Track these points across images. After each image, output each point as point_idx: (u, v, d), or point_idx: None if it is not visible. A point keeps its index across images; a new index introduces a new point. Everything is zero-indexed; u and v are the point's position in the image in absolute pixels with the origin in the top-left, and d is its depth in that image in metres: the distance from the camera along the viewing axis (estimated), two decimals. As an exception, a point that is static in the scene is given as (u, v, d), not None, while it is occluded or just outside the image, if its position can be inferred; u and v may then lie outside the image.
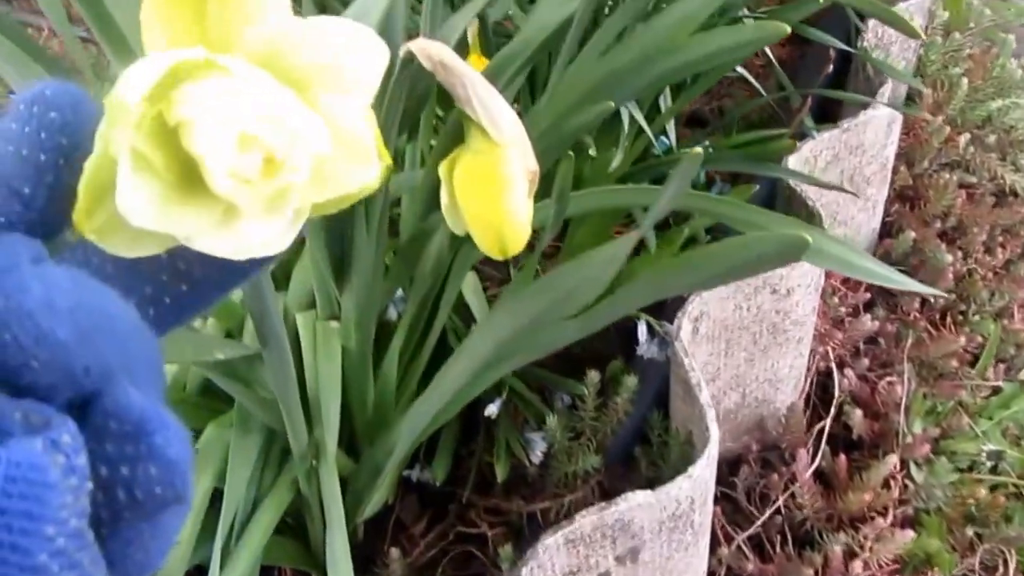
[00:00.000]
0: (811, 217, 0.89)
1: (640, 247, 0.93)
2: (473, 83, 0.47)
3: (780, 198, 1.01)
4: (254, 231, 0.24)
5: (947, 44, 1.36)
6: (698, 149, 0.42)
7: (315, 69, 0.25)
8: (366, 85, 0.25)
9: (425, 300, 0.75)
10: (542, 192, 0.51)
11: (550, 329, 0.53)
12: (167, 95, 0.23)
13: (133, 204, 0.22)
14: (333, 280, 0.68)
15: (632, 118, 0.89)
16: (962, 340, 1.00)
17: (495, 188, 0.46)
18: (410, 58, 0.48)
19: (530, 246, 0.53)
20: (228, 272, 0.26)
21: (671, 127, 1.08)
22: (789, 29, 0.48)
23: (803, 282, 0.86)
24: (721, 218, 0.68)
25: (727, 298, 0.82)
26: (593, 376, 0.82)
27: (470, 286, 0.90)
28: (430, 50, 0.47)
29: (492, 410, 0.87)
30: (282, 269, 0.81)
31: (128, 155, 0.22)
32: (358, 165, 0.25)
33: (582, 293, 0.48)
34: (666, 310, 0.93)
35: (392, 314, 0.82)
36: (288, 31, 0.24)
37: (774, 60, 1.01)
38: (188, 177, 0.24)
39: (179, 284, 0.26)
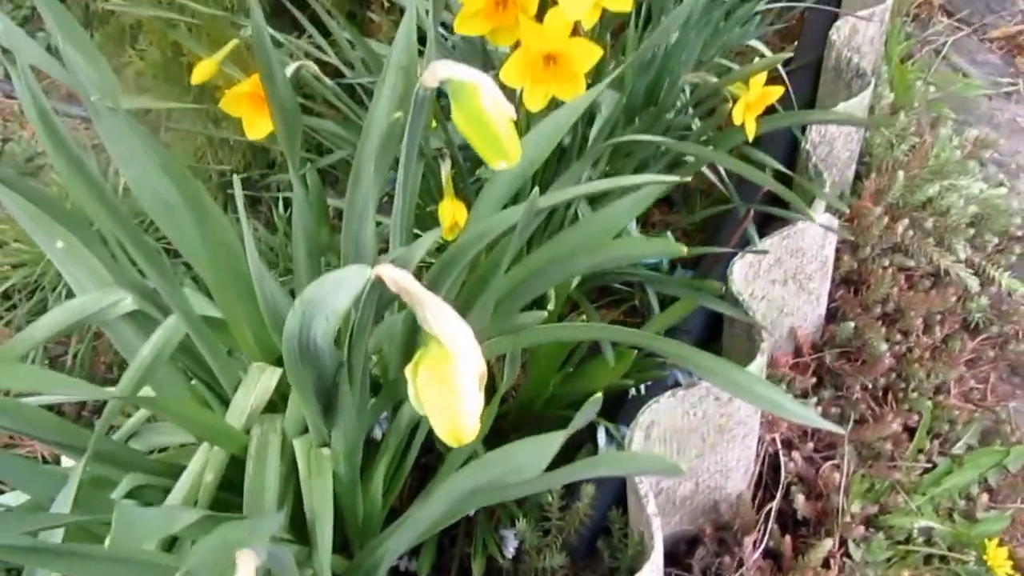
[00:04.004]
0: (750, 329, 0.99)
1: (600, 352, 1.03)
2: (430, 306, 0.57)
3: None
4: None
5: (891, 125, 1.46)
6: (598, 395, 0.52)
7: None
8: None
9: (406, 428, 0.85)
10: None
11: (508, 488, 0.63)
12: None
13: None
14: (322, 421, 0.78)
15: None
16: (898, 421, 1.10)
17: (450, 394, 0.56)
18: (379, 281, 0.58)
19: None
20: None
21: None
22: (685, 250, 0.58)
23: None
24: (668, 355, 0.78)
25: (675, 407, 0.92)
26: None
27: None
28: (395, 277, 0.58)
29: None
30: (279, 393, 0.91)
31: None
32: None
33: (529, 468, 0.58)
34: (623, 414, 1.03)
35: (377, 433, 0.93)
36: None
37: (724, 176, 1.11)
38: None
39: None
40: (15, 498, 0.96)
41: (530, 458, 0.58)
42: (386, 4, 1.44)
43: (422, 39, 0.84)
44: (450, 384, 0.57)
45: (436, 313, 0.57)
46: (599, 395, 0.52)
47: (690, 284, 0.95)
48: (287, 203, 1.48)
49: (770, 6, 1.29)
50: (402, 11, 1.40)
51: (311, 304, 0.55)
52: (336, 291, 0.53)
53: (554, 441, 0.56)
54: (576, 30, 0.83)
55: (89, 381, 1.37)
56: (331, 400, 0.75)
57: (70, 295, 0.93)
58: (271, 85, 0.72)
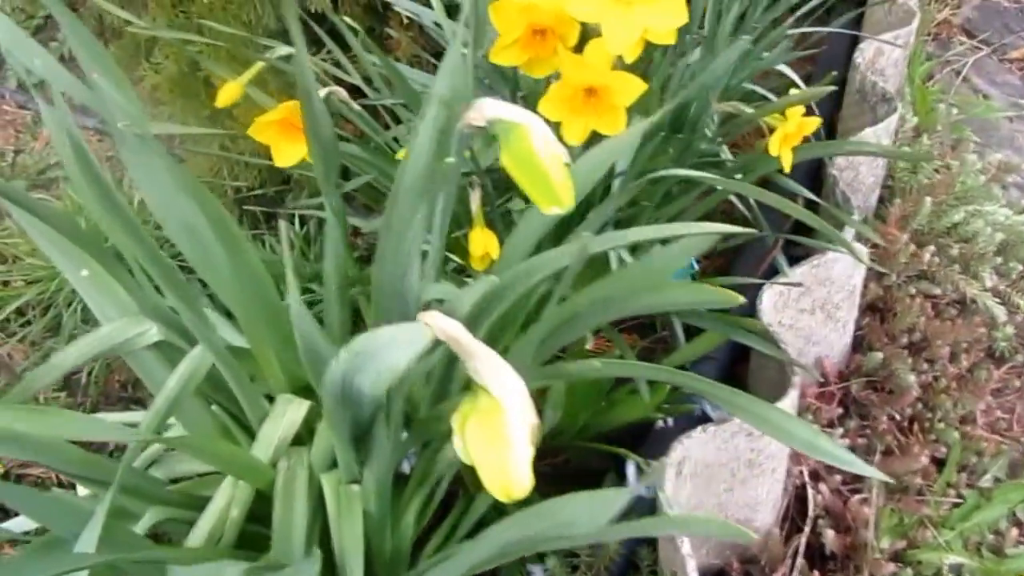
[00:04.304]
0: (782, 365, 0.97)
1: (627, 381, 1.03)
2: (481, 358, 0.55)
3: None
4: None
5: (915, 147, 1.45)
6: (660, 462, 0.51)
7: None
8: None
9: (438, 464, 0.84)
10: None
11: (556, 540, 0.61)
12: None
13: None
14: (355, 460, 0.77)
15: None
16: (926, 454, 1.09)
17: (502, 448, 0.55)
18: (428, 328, 0.57)
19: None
20: None
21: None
22: (742, 299, 0.57)
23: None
24: (701, 392, 0.77)
25: (706, 443, 0.91)
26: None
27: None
28: (444, 326, 0.56)
29: (497, 542, 0.95)
30: (306, 425, 0.90)
31: None
32: None
33: (582, 525, 0.57)
34: (649, 446, 1.02)
35: (405, 467, 0.91)
36: None
37: (754, 204, 1.10)
38: None
39: None
40: (21, 523, 0.94)
41: (584, 515, 0.56)
42: (405, 20, 1.42)
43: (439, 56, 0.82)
44: (502, 438, 0.55)
45: (487, 364, 0.56)
46: (660, 463, 0.51)
47: (722, 319, 0.93)
48: (303, 219, 1.47)
49: (793, 31, 1.28)
50: (421, 27, 1.39)
51: (360, 356, 0.53)
52: (392, 347, 0.52)
53: (613, 501, 0.55)
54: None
55: (104, 399, 1.36)
56: (365, 439, 0.74)
57: (85, 312, 0.92)
58: (311, 118, 0.71)
